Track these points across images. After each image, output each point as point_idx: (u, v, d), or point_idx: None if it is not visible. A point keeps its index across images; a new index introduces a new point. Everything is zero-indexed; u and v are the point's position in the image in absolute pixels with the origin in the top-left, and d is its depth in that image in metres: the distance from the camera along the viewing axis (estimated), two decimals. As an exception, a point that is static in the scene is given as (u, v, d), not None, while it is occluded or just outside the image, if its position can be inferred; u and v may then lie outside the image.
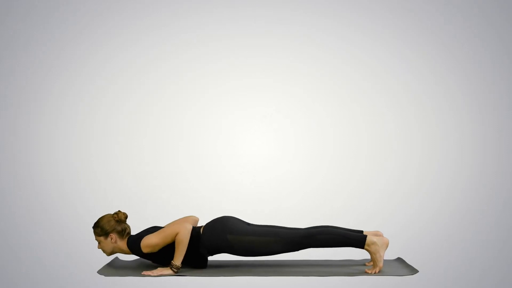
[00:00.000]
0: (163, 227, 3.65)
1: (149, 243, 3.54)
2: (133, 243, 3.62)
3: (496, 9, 5.24)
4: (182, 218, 3.81)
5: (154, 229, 3.70)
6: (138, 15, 5.35)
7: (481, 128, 5.25)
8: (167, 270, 3.51)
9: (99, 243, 3.69)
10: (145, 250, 3.56)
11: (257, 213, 4.94)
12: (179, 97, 5.34)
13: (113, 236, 3.65)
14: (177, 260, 3.51)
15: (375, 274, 3.47)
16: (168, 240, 3.53)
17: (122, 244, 3.67)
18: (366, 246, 3.48)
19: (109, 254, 3.71)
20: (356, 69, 5.41)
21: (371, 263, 3.65)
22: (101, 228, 3.66)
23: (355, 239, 3.50)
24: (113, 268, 3.66)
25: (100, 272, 3.54)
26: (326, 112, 5.43)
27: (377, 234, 3.60)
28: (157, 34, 5.36)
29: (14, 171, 5.09)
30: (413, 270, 3.52)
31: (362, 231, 3.64)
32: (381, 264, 3.48)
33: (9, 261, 3.80)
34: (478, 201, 4.96)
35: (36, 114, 5.22)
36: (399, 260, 3.82)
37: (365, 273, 3.47)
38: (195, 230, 3.63)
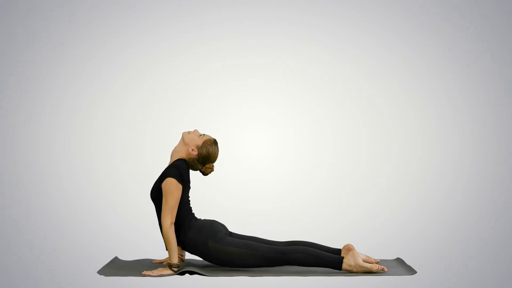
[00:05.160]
0: (168, 199, 3.54)
1: (168, 188, 3.51)
2: (173, 167, 3.56)
3: (496, 9, 5.25)
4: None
5: (185, 189, 3.62)
6: (138, 15, 5.35)
7: (481, 128, 5.25)
8: (167, 270, 3.51)
9: (196, 135, 3.65)
10: (165, 183, 3.53)
11: (257, 213, 4.95)
12: (179, 96, 5.35)
13: (194, 153, 3.62)
14: (173, 258, 3.51)
15: (381, 272, 3.48)
16: (164, 201, 3.53)
17: (182, 154, 3.63)
18: (346, 267, 3.46)
19: (184, 137, 3.65)
20: (356, 69, 5.41)
21: (371, 260, 3.66)
22: (206, 148, 3.62)
23: (332, 260, 3.49)
24: (113, 268, 3.66)
25: (100, 272, 3.54)
26: (326, 112, 5.43)
27: (349, 248, 3.59)
28: (157, 34, 5.36)
29: (14, 171, 5.09)
30: (412, 271, 3.52)
31: (339, 250, 3.64)
32: (374, 267, 3.47)
33: (9, 261, 3.80)
34: (478, 201, 4.96)
35: (36, 114, 5.22)
36: (399, 260, 3.82)
37: (365, 273, 3.47)
38: (189, 217, 3.63)
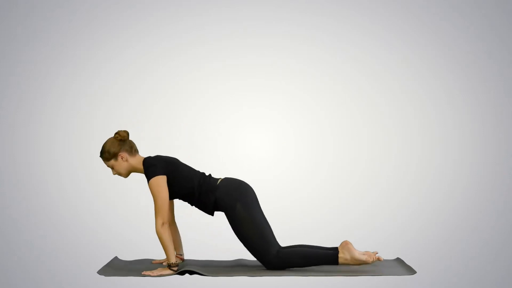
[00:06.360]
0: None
1: (152, 190, 3.56)
2: (148, 169, 3.60)
3: (496, 9, 5.24)
4: (171, 205, 3.81)
5: (174, 167, 3.65)
6: (138, 15, 5.35)
7: (481, 128, 5.25)
8: (167, 270, 3.51)
9: (112, 168, 3.69)
10: (149, 187, 3.58)
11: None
12: (179, 96, 5.35)
13: (123, 155, 3.66)
14: (170, 258, 3.53)
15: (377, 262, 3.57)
16: (154, 204, 3.57)
17: (134, 161, 3.68)
18: (343, 261, 3.52)
19: (126, 175, 3.72)
20: (356, 69, 5.41)
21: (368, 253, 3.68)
22: (108, 152, 3.66)
23: (328, 257, 3.55)
24: (113, 268, 3.66)
25: (100, 272, 3.54)
26: (326, 112, 5.43)
27: (346, 243, 3.60)
28: (157, 34, 5.36)
29: (14, 171, 5.09)
30: (411, 271, 3.52)
31: (337, 248, 3.64)
32: (369, 258, 3.51)
33: (9, 261, 3.80)
34: (478, 201, 4.96)
35: (36, 114, 5.22)
36: (399, 260, 3.83)
37: (365, 273, 3.47)
38: (207, 180, 3.67)
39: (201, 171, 3.78)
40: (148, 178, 3.60)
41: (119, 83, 5.34)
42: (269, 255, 3.55)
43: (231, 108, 5.37)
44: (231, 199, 3.61)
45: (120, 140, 3.68)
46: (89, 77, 5.32)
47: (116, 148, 3.66)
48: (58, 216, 4.79)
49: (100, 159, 3.73)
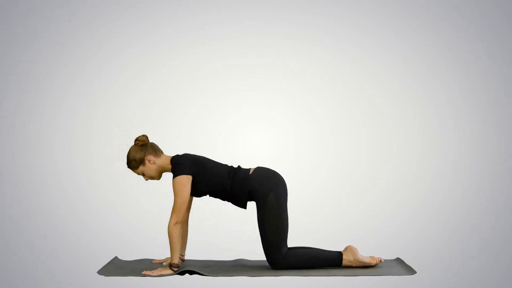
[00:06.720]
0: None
1: (175, 188, 3.55)
2: (175, 167, 3.60)
3: (496, 9, 5.25)
4: (188, 205, 3.82)
5: (202, 165, 3.64)
6: (138, 15, 5.35)
7: (481, 128, 5.25)
8: (167, 270, 3.51)
9: (143, 175, 3.70)
10: (173, 184, 3.58)
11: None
12: (179, 96, 5.35)
13: (149, 158, 3.67)
14: (174, 258, 3.53)
15: (378, 264, 3.62)
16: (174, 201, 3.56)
17: (162, 161, 3.69)
18: (346, 262, 3.59)
19: (158, 177, 3.72)
20: (356, 69, 5.41)
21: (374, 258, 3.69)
22: (134, 160, 3.66)
23: (331, 258, 3.60)
24: (113, 268, 3.66)
25: (100, 272, 3.54)
26: (326, 112, 5.43)
27: (351, 247, 3.65)
28: (157, 34, 5.36)
29: (14, 171, 5.09)
30: (411, 271, 3.52)
31: (340, 252, 3.66)
32: (373, 260, 3.60)
33: (9, 261, 3.80)
34: (478, 201, 4.96)
35: (36, 114, 5.22)
36: (399, 260, 3.83)
37: (365, 273, 3.47)
38: (237, 172, 3.66)
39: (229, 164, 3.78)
40: (174, 175, 3.60)
41: (119, 83, 5.34)
42: (279, 253, 3.56)
43: (231, 108, 5.36)
44: (264, 188, 3.61)
45: (142, 145, 3.69)
46: (89, 77, 5.32)
47: (141, 154, 3.67)
48: (58, 216, 4.78)
49: (127, 169, 3.74)
